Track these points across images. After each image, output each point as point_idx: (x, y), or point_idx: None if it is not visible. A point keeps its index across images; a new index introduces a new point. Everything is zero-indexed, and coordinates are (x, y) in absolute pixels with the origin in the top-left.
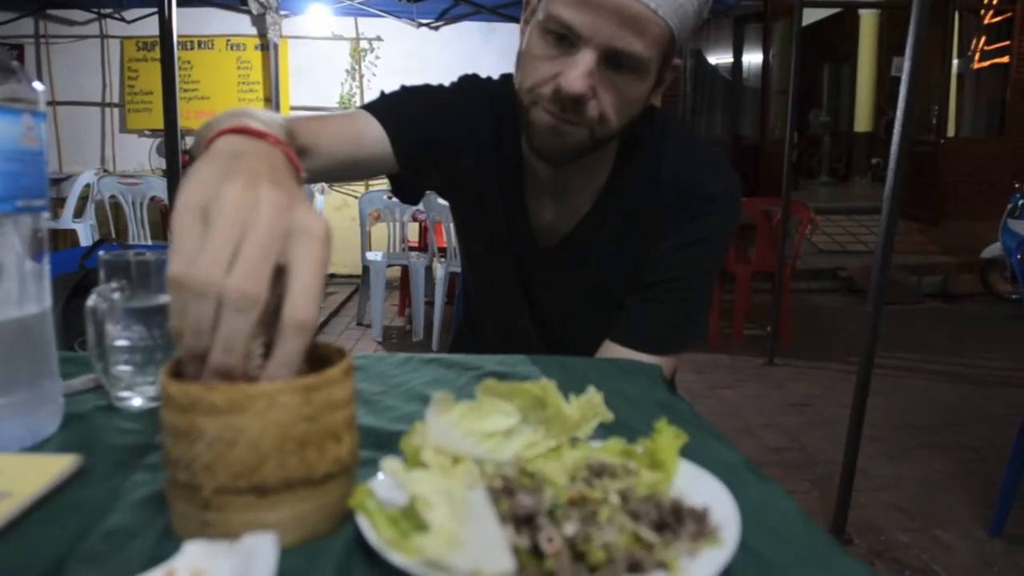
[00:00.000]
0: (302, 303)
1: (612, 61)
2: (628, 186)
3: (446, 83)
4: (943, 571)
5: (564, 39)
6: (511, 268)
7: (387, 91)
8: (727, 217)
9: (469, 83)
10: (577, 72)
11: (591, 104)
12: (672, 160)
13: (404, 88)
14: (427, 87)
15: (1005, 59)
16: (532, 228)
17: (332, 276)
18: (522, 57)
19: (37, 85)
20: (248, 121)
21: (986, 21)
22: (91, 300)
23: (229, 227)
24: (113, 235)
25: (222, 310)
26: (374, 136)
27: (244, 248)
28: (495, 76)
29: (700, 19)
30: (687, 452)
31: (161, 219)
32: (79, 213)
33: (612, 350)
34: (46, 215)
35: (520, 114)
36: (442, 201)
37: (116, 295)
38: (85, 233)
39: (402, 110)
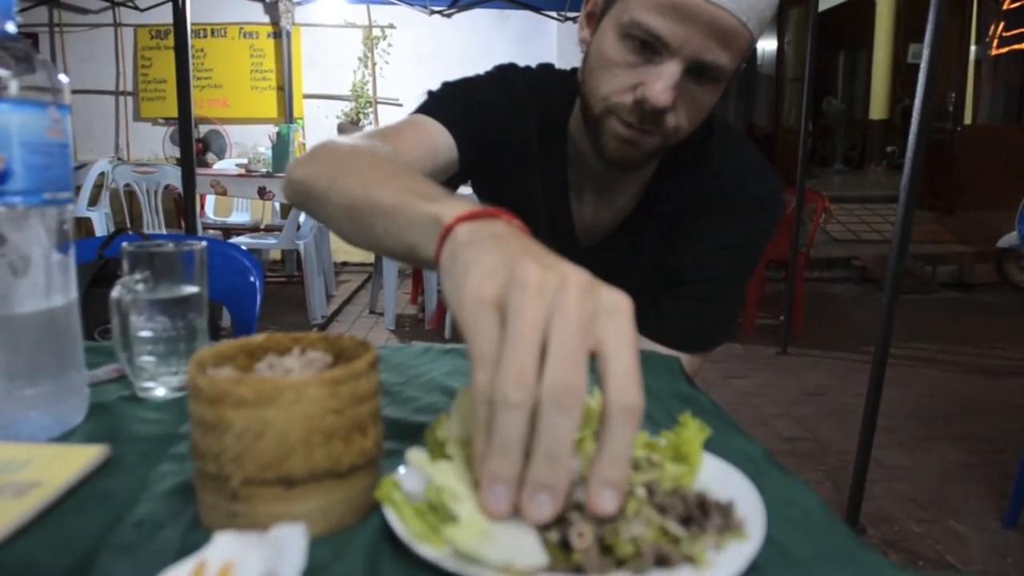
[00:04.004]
0: (629, 386)
1: (695, 72)
2: (673, 185)
3: (479, 72)
4: (957, 562)
5: (648, 47)
6: None
7: (433, 91)
8: (770, 220)
9: (513, 76)
10: (663, 85)
11: (670, 115)
12: (718, 160)
13: (449, 85)
14: (472, 82)
15: None
16: (574, 226)
17: (344, 264)
18: (593, 59)
19: (62, 77)
20: (440, 199)
21: (1005, 7)
22: (115, 291)
23: (535, 317)
24: (128, 223)
25: (541, 413)
26: (445, 142)
27: (555, 337)
28: (511, 63)
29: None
30: (708, 445)
31: (175, 207)
32: (93, 201)
33: (642, 344)
34: (71, 207)
35: (588, 119)
36: (465, 190)
37: (140, 286)
38: (100, 221)
39: (460, 111)
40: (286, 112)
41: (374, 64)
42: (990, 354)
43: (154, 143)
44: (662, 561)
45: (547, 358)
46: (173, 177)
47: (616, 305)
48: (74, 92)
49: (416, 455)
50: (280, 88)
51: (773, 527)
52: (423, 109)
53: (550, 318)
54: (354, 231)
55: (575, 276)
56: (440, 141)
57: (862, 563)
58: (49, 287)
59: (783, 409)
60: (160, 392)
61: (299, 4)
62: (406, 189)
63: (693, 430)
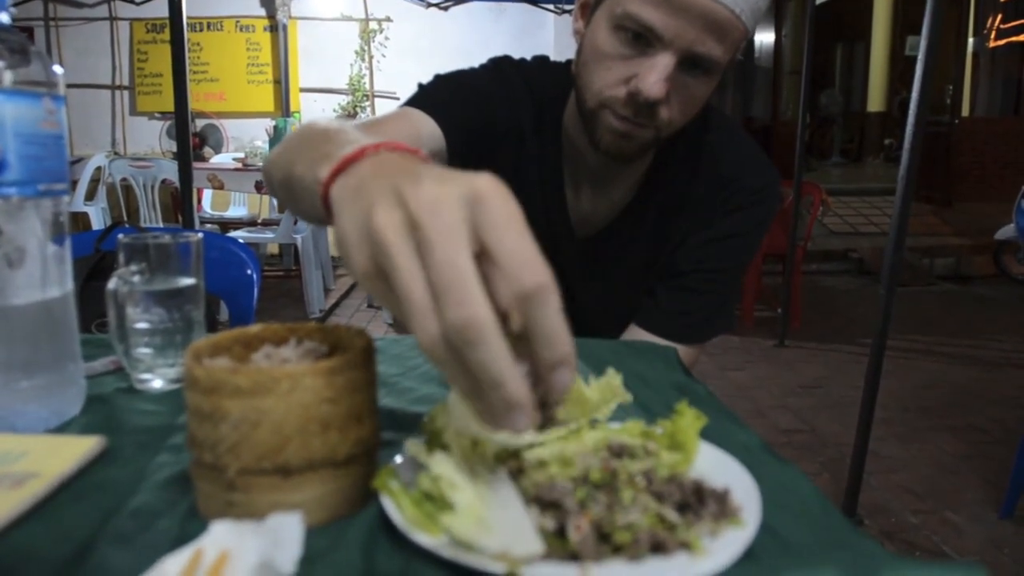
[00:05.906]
0: (520, 266)
1: (688, 64)
2: (669, 176)
3: (475, 65)
4: (954, 553)
5: (640, 39)
6: (546, 260)
7: (425, 83)
8: (767, 212)
9: (508, 68)
10: (656, 77)
11: (663, 107)
12: (714, 151)
13: (441, 77)
14: (464, 74)
15: (1022, 37)
16: (570, 219)
17: (342, 257)
18: (587, 52)
19: (57, 68)
20: (322, 159)
21: None
22: (112, 283)
23: (408, 267)
24: (125, 218)
25: (462, 354)
26: (431, 134)
27: (432, 274)
28: (506, 55)
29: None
30: (705, 434)
31: (172, 202)
32: (90, 196)
33: (639, 335)
34: (67, 199)
35: (583, 112)
36: None
37: (136, 278)
38: (97, 216)
39: (449, 101)
40: (283, 106)
41: (371, 57)
42: (987, 346)
43: (151, 137)
44: (658, 547)
45: (437, 300)
46: (170, 171)
47: (476, 191)
48: (70, 86)
49: (414, 445)
50: (277, 82)
51: (769, 514)
52: (412, 101)
53: (423, 256)
54: (294, 207)
55: (419, 200)
56: (424, 131)
57: (857, 550)
58: (45, 279)
59: (780, 401)
60: (157, 384)
61: None
62: (309, 157)
63: (689, 418)
